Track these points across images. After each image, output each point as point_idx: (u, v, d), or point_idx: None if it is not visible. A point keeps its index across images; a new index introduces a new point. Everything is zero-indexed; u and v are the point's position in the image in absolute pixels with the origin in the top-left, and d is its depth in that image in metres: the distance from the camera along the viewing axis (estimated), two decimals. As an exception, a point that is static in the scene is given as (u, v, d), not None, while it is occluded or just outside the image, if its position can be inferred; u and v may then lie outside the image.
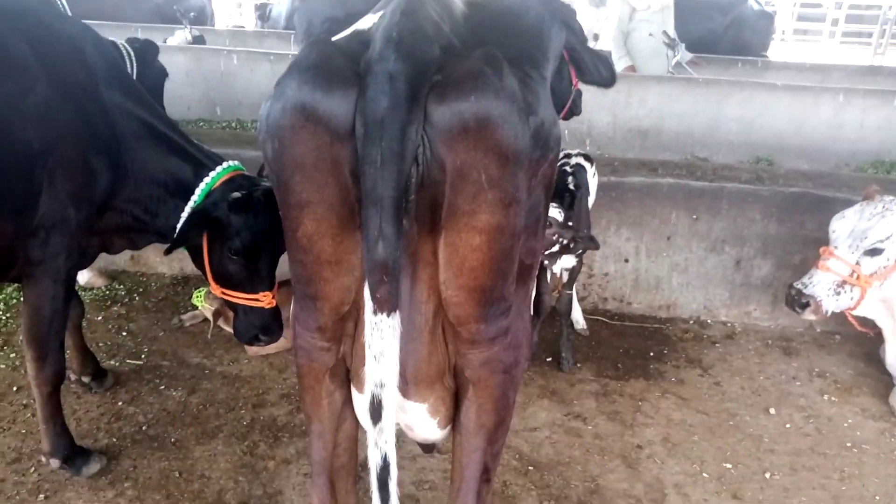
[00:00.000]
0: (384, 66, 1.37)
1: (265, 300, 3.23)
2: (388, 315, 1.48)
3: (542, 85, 1.68)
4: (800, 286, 3.69)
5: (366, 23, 1.60)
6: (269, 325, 3.33)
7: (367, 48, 1.44)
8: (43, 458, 3.22)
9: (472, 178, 1.45)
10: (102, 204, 3.06)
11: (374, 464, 1.59)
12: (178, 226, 3.15)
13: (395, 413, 1.57)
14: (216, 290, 3.27)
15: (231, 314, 4.31)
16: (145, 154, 3.12)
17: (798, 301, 3.68)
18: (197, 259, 3.31)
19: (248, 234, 3.07)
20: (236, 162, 3.32)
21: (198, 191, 3.15)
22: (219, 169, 3.21)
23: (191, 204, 3.15)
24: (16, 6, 2.93)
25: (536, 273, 2.03)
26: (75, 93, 2.89)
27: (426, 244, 1.58)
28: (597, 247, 3.74)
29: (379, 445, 1.57)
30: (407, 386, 1.78)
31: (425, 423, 1.87)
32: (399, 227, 1.42)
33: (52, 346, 3.05)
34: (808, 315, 3.69)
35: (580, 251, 3.93)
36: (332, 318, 1.69)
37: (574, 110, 3.96)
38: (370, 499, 1.64)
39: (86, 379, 3.81)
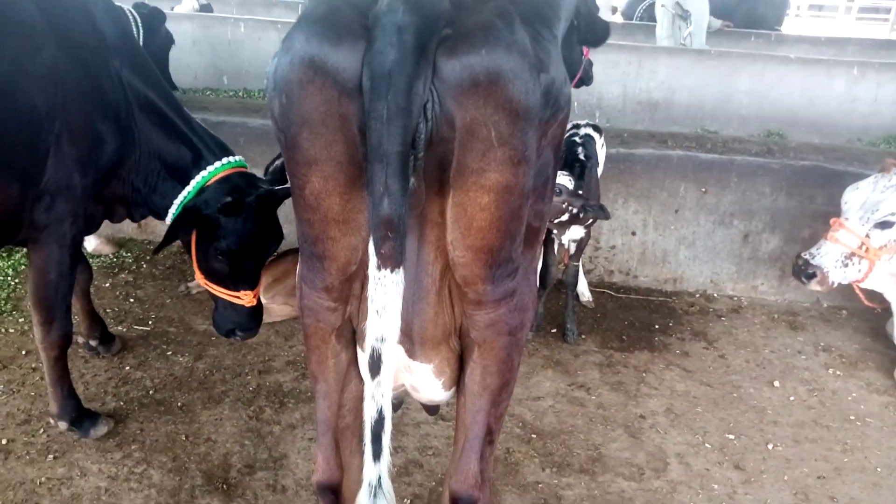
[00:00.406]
0: (392, 18, 1.35)
1: (246, 298, 3.20)
2: (392, 271, 1.48)
3: (554, 43, 1.65)
4: (807, 256, 3.66)
5: None
6: (246, 323, 3.29)
7: (376, 1, 1.42)
8: (51, 421, 3.26)
9: (481, 134, 1.44)
10: (108, 171, 3.04)
11: (369, 416, 1.59)
12: (169, 219, 3.16)
13: (393, 368, 1.57)
14: (200, 278, 3.25)
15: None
16: (151, 128, 3.11)
17: (804, 271, 3.65)
18: (185, 246, 3.29)
19: (235, 237, 3.04)
20: (239, 157, 3.26)
21: (193, 182, 3.12)
22: (217, 164, 3.15)
23: (184, 194, 3.12)
24: None
25: (543, 237, 2.02)
26: (84, 57, 2.85)
27: (434, 204, 1.57)
28: (607, 216, 3.73)
29: (375, 398, 1.57)
30: (413, 346, 1.78)
31: (431, 384, 1.88)
32: (405, 183, 1.41)
33: (58, 310, 3.05)
34: (814, 286, 3.67)
35: (590, 221, 3.91)
36: (338, 277, 1.68)
37: (585, 80, 3.92)
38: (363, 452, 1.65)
39: (93, 343, 3.83)
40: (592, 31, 2.97)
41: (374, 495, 1.65)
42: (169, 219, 3.18)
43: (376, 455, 1.61)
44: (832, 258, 3.62)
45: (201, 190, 3.12)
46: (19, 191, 2.74)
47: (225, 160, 3.19)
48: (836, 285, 3.68)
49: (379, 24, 1.37)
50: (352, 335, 1.88)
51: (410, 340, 1.77)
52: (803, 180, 4.68)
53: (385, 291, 1.49)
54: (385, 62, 1.35)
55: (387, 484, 1.66)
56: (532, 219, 1.75)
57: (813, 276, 3.64)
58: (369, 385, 1.57)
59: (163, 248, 3.06)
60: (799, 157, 4.76)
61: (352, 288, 1.75)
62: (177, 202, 3.15)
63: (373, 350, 1.53)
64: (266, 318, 4.25)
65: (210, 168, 3.14)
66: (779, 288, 4.93)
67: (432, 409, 2.49)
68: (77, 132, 2.83)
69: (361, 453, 2.15)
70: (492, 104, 1.41)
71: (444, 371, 1.86)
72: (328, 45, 1.39)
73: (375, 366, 1.55)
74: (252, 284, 3.22)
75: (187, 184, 3.14)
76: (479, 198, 1.52)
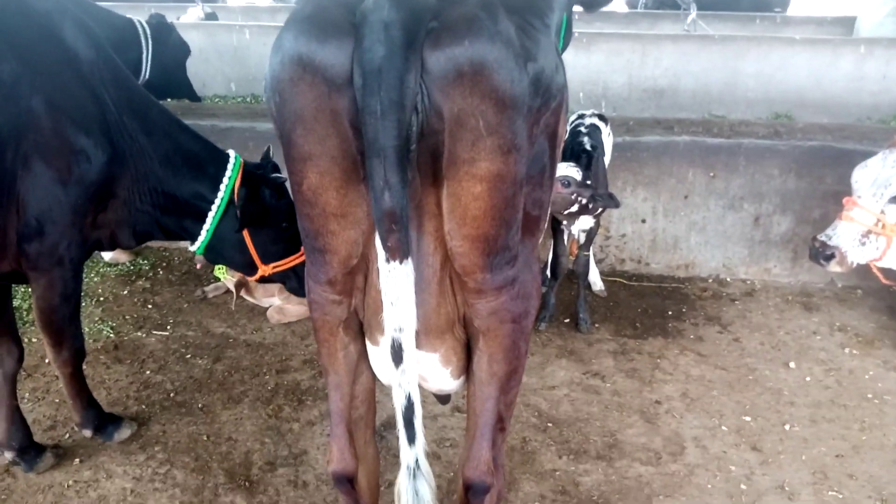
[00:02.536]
0: (379, 15, 1.39)
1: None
2: (401, 262, 1.53)
3: (545, 33, 1.68)
4: (824, 238, 3.64)
5: None
6: None
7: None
8: (76, 428, 3.34)
9: (469, 124, 1.47)
10: (100, 189, 2.90)
11: (399, 404, 1.67)
12: (205, 233, 3.19)
13: (415, 354, 1.63)
14: (267, 270, 3.37)
15: (253, 284, 4.41)
16: (147, 142, 3.01)
17: (822, 253, 3.63)
18: (233, 256, 3.35)
19: (288, 210, 3.26)
20: (231, 151, 3.31)
21: (222, 189, 3.15)
22: (230, 165, 3.20)
23: (217, 204, 3.15)
24: None
25: (544, 225, 2.05)
26: (53, 71, 2.70)
27: (430, 195, 1.60)
28: (617, 205, 3.74)
29: (403, 386, 1.65)
30: (418, 336, 1.82)
31: (438, 373, 1.91)
32: (404, 175, 1.45)
33: (67, 331, 3.02)
34: (834, 267, 3.64)
35: (599, 211, 3.93)
36: (341, 271, 1.72)
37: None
38: (397, 438, 1.74)
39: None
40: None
41: (414, 476, 1.76)
42: (205, 233, 3.20)
43: (411, 439, 1.71)
44: (849, 237, 3.59)
45: (232, 191, 3.18)
46: None
47: (231, 158, 3.24)
48: (854, 265, 3.65)
49: (366, 22, 1.40)
50: (359, 327, 1.92)
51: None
52: (812, 161, 4.66)
53: (397, 282, 1.55)
54: (375, 59, 1.39)
55: (424, 465, 1.77)
56: (530, 207, 1.77)
57: (831, 256, 3.61)
58: (394, 374, 1.64)
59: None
60: (807, 138, 4.74)
61: (355, 281, 1.79)
62: (211, 214, 3.17)
63: (392, 340, 1.61)
64: (282, 319, 4.33)
65: (228, 172, 3.18)
66: (792, 269, 4.91)
67: (444, 399, 2.53)
68: (50, 150, 2.68)
69: (375, 443, 2.21)
70: (478, 94, 1.45)
71: (450, 360, 1.89)
72: (316, 42, 1.43)
73: (397, 355, 1.62)
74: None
75: (202, 199, 3.16)
76: (472, 187, 1.55)
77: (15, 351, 3.11)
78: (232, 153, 3.29)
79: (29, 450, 3.14)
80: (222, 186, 3.16)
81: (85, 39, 2.85)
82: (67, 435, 3.38)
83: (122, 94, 2.94)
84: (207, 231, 3.20)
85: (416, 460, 1.73)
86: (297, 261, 3.41)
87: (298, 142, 1.53)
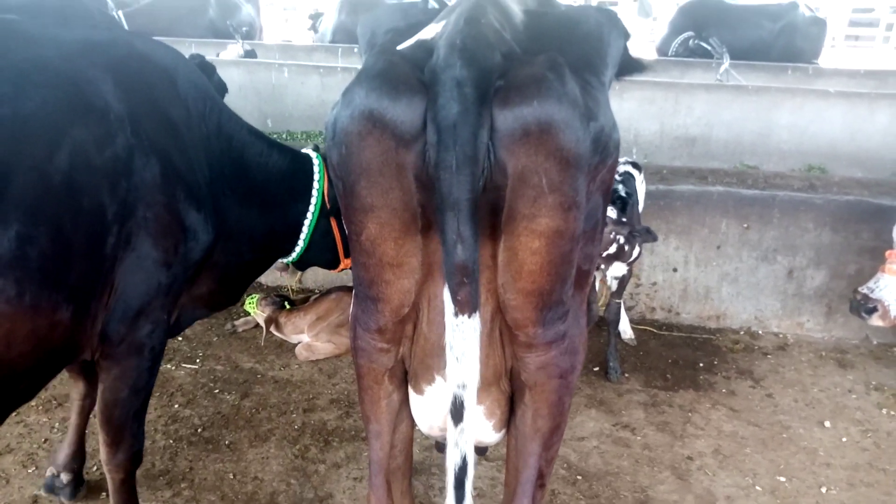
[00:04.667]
0: (451, 73, 1.42)
1: None
2: (469, 316, 1.53)
3: (602, 91, 1.70)
4: (866, 290, 3.59)
5: (428, 32, 1.65)
6: None
7: (431, 56, 1.48)
8: None
9: (532, 181, 1.48)
10: (200, 266, 2.64)
11: (452, 463, 1.64)
12: (304, 237, 3.16)
13: (475, 414, 1.61)
14: (347, 262, 3.32)
15: (283, 320, 4.42)
16: (243, 191, 2.80)
17: (864, 306, 3.57)
18: (322, 253, 3.29)
19: None
20: (309, 150, 3.27)
21: (314, 193, 3.10)
22: (315, 162, 3.15)
23: (312, 210, 3.12)
24: (104, 37, 2.40)
25: (592, 279, 2.04)
26: (168, 136, 2.41)
27: (485, 247, 1.61)
28: (654, 238, 3.73)
29: (460, 445, 1.62)
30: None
31: (481, 426, 1.89)
32: (476, 229, 1.47)
33: (128, 429, 2.63)
34: (876, 321, 3.58)
35: (634, 257, 3.92)
36: (392, 319, 1.73)
37: None
38: (444, 497, 1.70)
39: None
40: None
41: None
42: (303, 241, 3.16)
43: (459, 500, 1.67)
44: (893, 290, 3.55)
45: (322, 192, 3.14)
46: (73, 313, 2.12)
47: (313, 155, 3.18)
48: None
49: (439, 80, 1.43)
50: (403, 376, 1.91)
51: None
52: (848, 215, 4.62)
53: (464, 337, 1.54)
54: (450, 115, 1.42)
55: None
56: (582, 261, 1.77)
57: (874, 310, 3.56)
58: (452, 432, 1.61)
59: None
60: (842, 192, 4.71)
61: (404, 329, 1.79)
62: (307, 222, 3.12)
63: (454, 397, 1.58)
64: (310, 356, 4.33)
65: (316, 175, 3.13)
66: (825, 325, 4.83)
67: (480, 451, 2.50)
68: (160, 228, 2.36)
69: (412, 494, 2.18)
70: (543, 153, 1.46)
71: (494, 413, 1.88)
72: (387, 99, 1.46)
73: (458, 413, 1.59)
74: None
75: (299, 214, 3.10)
76: (531, 242, 1.56)
77: (91, 385, 3.05)
78: (312, 153, 3.21)
79: (78, 478, 3.15)
80: (314, 192, 3.11)
81: (195, 90, 2.61)
82: (95, 467, 3.37)
83: (224, 143, 2.74)
84: (304, 239, 3.16)
85: None
86: None
87: (362, 193, 1.55)
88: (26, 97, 1.98)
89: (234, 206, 2.81)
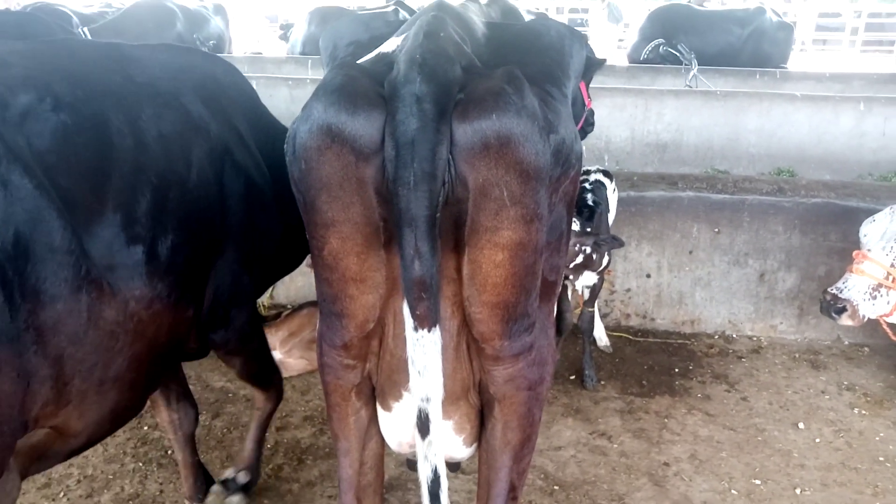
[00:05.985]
0: (410, 89, 1.40)
1: None
2: (429, 330, 1.52)
3: (563, 103, 1.69)
4: (835, 291, 3.62)
5: (389, 45, 1.63)
6: None
7: (391, 70, 1.47)
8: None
9: (494, 195, 1.47)
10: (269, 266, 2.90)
11: (424, 477, 1.64)
12: None
13: (441, 426, 1.60)
14: None
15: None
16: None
17: (833, 306, 3.60)
18: None
19: None
20: None
21: None
22: None
23: None
24: (184, 62, 2.61)
25: (559, 290, 2.03)
26: (244, 152, 2.63)
27: (449, 261, 1.59)
28: (621, 244, 3.73)
29: (429, 459, 1.62)
30: None
31: (451, 441, 1.87)
32: (434, 244, 1.46)
33: (275, 377, 3.19)
34: (845, 321, 3.61)
35: (602, 267, 3.92)
36: (357, 335, 1.70)
37: (586, 128, 3.98)
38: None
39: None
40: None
41: None
42: None
43: None
44: (860, 290, 3.57)
45: None
46: (195, 310, 2.40)
47: None
48: (866, 319, 3.63)
49: (398, 95, 1.42)
50: (371, 392, 1.88)
51: None
52: (816, 217, 4.68)
53: (424, 351, 1.53)
54: (408, 131, 1.40)
55: None
56: (548, 273, 1.76)
57: (843, 310, 3.58)
58: (420, 446, 1.61)
59: None
60: (810, 195, 4.77)
61: (370, 345, 1.77)
62: None
63: (419, 411, 1.58)
64: (282, 373, 4.26)
65: None
66: (798, 326, 4.88)
67: (452, 466, 2.47)
68: (241, 233, 2.57)
69: (383, 512, 2.14)
70: (503, 166, 1.45)
71: (464, 427, 1.86)
72: (345, 113, 1.44)
73: (424, 426, 1.59)
74: None
75: None
76: (494, 255, 1.54)
77: (191, 412, 3.13)
78: None
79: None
80: None
81: (250, 101, 2.89)
82: (62, 493, 3.28)
83: (269, 147, 2.84)
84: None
85: None
86: None
87: (323, 208, 1.53)
88: (162, 119, 2.21)
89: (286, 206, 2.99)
